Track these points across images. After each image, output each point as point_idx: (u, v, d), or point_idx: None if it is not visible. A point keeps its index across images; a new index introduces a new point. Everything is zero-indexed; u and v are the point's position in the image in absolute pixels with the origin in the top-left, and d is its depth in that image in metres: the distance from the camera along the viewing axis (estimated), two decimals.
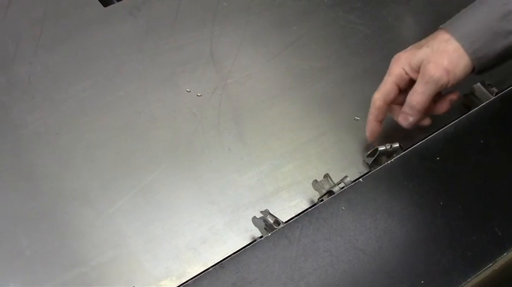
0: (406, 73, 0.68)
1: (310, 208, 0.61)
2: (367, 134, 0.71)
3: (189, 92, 0.79)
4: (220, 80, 0.81)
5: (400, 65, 0.68)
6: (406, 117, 0.69)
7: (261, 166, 0.73)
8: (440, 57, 0.64)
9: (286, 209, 0.69)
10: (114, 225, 0.67)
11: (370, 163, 0.71)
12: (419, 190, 0.62)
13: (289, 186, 0.71)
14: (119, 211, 0.68)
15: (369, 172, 0.64)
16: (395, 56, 0.69)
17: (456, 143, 0.65)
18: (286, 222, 0.61)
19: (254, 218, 0.65)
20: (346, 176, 0.65)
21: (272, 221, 0.61)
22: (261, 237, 0.60)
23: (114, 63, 0.81)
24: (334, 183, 0.66)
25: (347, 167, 0.73)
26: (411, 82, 0.68)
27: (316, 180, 0.68)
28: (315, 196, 0.69)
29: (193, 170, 0.72)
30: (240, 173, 0.72)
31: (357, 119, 0.78)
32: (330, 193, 0.64)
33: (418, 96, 0.66)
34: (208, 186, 0.71)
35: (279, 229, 0.58)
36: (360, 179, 0.62)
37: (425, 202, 0.61)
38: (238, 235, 0.67)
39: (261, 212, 0.63)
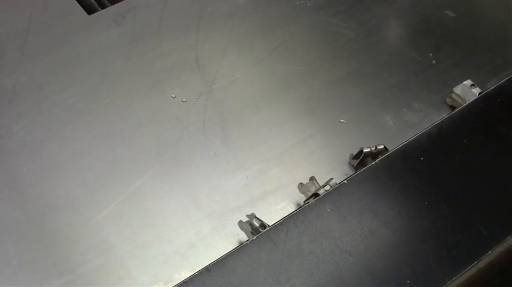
0: None
1: (296, 210, 0.61)
2: None
3: (174, 98, 0.79)
4: (206, 85, 0.81)
5: None
6: None
7: (247, 170, 0.73)
8: None
9: (272, 213, 0.69)
10: (102, 232, 0.67)
11: (355, 164, 0.71)
12: (404, 190, 0.62)
13: (276, 190, 0.71)
14: (106, 218, 0.68)
15: (354, 173, 0.64)
16: None
17: (440, 143, 0.65)
18: (272, 225, 0.61)
19: (240, 222, 0.64)
20: (331, 178, 0.65)
21: (258, 225, 0.61)
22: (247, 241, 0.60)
23: (99, 70, 0.81)
24: (319, 185, 0.66)
25: (333, 170, 0.73)
26: None
27: (302, 183, 0.68)
28: (301, 198, 0.69)
29: (180, 176, 0.72)
30: (226, 177, 0.72)
31: (342, 122, 0.78)
32: (315, 195, 0.64)
33: None
34: (194, 191, 0.71)
35: (265, 232, 0.58)
36: (345, 181, 0.61)
37: (410, 202, 0.61)
38: (226, 239, 0.67)
39: (247, 216, 0.63)
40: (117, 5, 0.89)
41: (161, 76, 0.81)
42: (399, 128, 0.71)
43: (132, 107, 0.78)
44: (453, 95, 0.74)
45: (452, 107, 0.72)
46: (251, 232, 0.63)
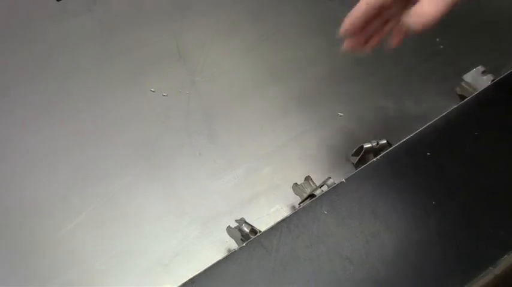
0: None
1: (290, 214, 0.60)
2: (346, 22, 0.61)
3: (154, 92, 0.79)
4: (189, 77, 0.81)
5: None
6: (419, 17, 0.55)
7: (236, 170, 0.73)
8: None
9: (264, 217, 0.69)
10: (77, 241, 0.67)
11: (355, 162, 0.71)
12: (409, 189, 0.61)
13: (268, 191, 0.71)
14: (80, 226, 0.68)
15: (354, 171, 0.63)
16: None
17: (448, 136, 0.64)
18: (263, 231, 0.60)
19: (229, 228, 0.64)
20: (329, 178, 0.64)
21: (248, 231, 0.61)
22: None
23: (70, 63, 0.81)
24: (316, 186, 0.66)
25: (330, 168, 0.73)
26: None
27: (296, 183, 0.68)
28: (296, 200, 0.68)
29: (162, 178, 0.72)
30: (213, 178, 0.72)
31: (341, 115, 0.78)
32: (311, 196, 0.63)
33: None
34: (178, 194, 0.71)
35: (256, 238, 0.57)
36: (343, 180, 0.61)
37: (415, 202, 0.60)
38: (213, 247, 0.67)
39: (236, 221, 0.63)
40: None
41: (139, 68, 0.81)
42: (403, 121, 0.71)
43: (107, 102, 0.78)
44: (463, 84, 0.73)
45: (462, 97, 0.71)
46: (241, 239, 0.62)
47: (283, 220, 0.58)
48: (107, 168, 0.72)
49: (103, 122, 0.76)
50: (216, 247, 0.67)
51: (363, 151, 0.68)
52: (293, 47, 0.85)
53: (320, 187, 0.63)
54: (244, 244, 0.57)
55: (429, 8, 0.54)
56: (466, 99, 0.68)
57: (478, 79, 0.72)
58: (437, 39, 0.84)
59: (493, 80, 0.70)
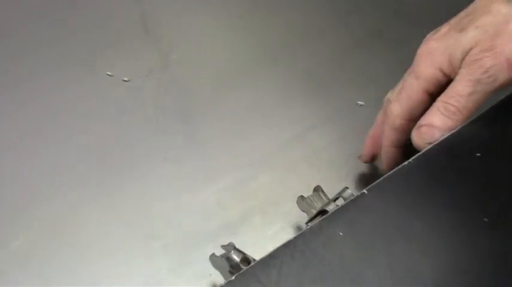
0: (445, 74, 0.63)
1: (294, 237, 0.59)
2: (384, 164, 0.69)
3: (112, 76, 0.79)
4: (159, 58, 0.81)
5: (434, 62, 0.63)
6: (430, 132, 0.64)
7: (221, 180, 0.73)
8: (500, 42, 0.61)
9: (260, 242, 0.68)
10: (5, 277, 0.66)
11: (381, 166, 0.71)
12: (452, 201, 0.59)
13: (264, 207, 0.71)
14: (15, 255, 0.67)
15: (379, 179, 0.62)
16: (424, 47, 0.65)
17: (504, 131, 0.64)
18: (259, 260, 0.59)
19: (213, 256, 0.63)
20: (345, 188, 0.63)
21: (239, 259, 0.60)
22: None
23: (3, 40, 0.81)
24: (328, 199, 0.65)
25: (347, 175, 0.73)
26: (446, 85, 0.64)
27: (302, 196, 0.67)
28: (302, 219, 0.67)
29: (122, 191, 0.72)
30: (190, 191, 0.72)
31: (361, 105, 0.78)
32: (322, 213, 0.63)
33: (461, 100, 0.62)
34: (145, 213, 0.70)
35: (248, 270, 0.56)
36: (365, 191, 0.59)
37: (461, 219, 0.59)
38: (192, 282, 0.66)
39: (222, 247, 0.62)
40: None
41: (91, 46, 0.81)
42: None
43: (51, 92, 0.78)
44: None
45: None
46: (229, 271, 0.61)
47: (285, 245, 0.57)
48: (53, 178, 0.72)
49: (47, 119, 0.76)
50: (196, 282, 0.66)
51: None
52: (295, 13, 0.85)
53: (334, 201, 0.63)
54: (233, 278, 0.56)
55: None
56: None
57: None
58: None
59: None
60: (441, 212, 0.59)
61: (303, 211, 0.67)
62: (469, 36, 0.62)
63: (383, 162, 0.69)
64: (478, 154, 0.62)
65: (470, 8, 0.64)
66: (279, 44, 0.83)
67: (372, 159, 0.71)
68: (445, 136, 0.63)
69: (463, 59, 0.62)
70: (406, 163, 0.62)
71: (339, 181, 0.72)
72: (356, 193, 0.61)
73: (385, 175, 0.61)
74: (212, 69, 0.81)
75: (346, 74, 0.80)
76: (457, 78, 0.62)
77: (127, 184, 0.72)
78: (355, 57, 0.81)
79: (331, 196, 0.65)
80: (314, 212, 0.65)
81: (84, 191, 0.71)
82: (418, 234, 0.58)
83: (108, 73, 0.79)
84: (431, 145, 0.63)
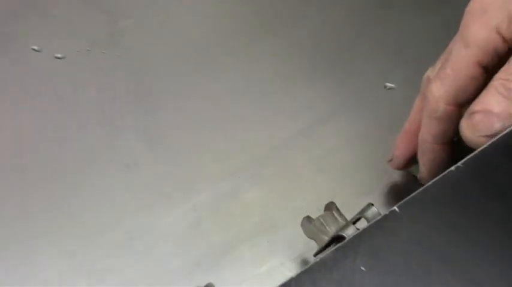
0: (504, 39, 0.61)
1: (298, 273, 0.58)
2: (422, 171, 0.67)
3: (39, 52, 0.79)
4: (105, 26, 0.82)
5: (490, 22, 0.61)
6: (486, 120, 0.62)
7: (197, 196, 0.71)
8: None
9: (249, 281, 0.66)
10: None
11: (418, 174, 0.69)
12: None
13: (256, 232, 0.69)
14: None
15: (415, 192, 0.59)
16: (476, 2, 0.63)
17: None
18: None
19: None
20: (370, 204, 0.62)
21: None
22: None
23: None
24: (345, 220, 0.63)
25: (371, 187, 0.72)
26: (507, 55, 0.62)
27: (309, 217, 0.65)
28: (309, 248, 0.66)
29: (63, 209, 0.70)
30: (157, 210, 0.70)
31: (390, 88, 0.78)
32: (338, 239, 0.61)
33: None
34: (93, 242, 0.69)
35: None
36: (395, 208, 0.57)
37: None
38: None
39: None
40: None
41: (12, 13, 0.82)
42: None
43: None
44: None
45: None
46: None
47: (286, 285, 0.54)
48: None
49: None
50: None
51: None
52: None
53: (353, 223, 0.62)
54: None
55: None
56: None
57: None
58: None
59: None
60: (502, 238, 0.57)
61: (310, 238, 0.65)
62: None
63: (421, 167, 0.67)
64: None
65: None
66: (277, 8, 0.82)
67: (406, 163, 0.69)
68: (509, 129, 0.61)
69: None
70: (453, 167, 0.60)
71: (359, 195, 0.70)
72: (384, 212, 0.59)
73: (424, 186, 0.60)
74: (181, 42, 0.80)
75: (368, 45, 0.80)
76: None
77: (67, 199, 0.71)
78: (378, 22, 0.81)
79: (349, 216, 0.63)
80: (326, 239, 0.63)
81: (4, 213, 0.70)
82: (469, 267, 0.55)
83: (34, 47, 0.79)
84: (489, 142, 0.61)
